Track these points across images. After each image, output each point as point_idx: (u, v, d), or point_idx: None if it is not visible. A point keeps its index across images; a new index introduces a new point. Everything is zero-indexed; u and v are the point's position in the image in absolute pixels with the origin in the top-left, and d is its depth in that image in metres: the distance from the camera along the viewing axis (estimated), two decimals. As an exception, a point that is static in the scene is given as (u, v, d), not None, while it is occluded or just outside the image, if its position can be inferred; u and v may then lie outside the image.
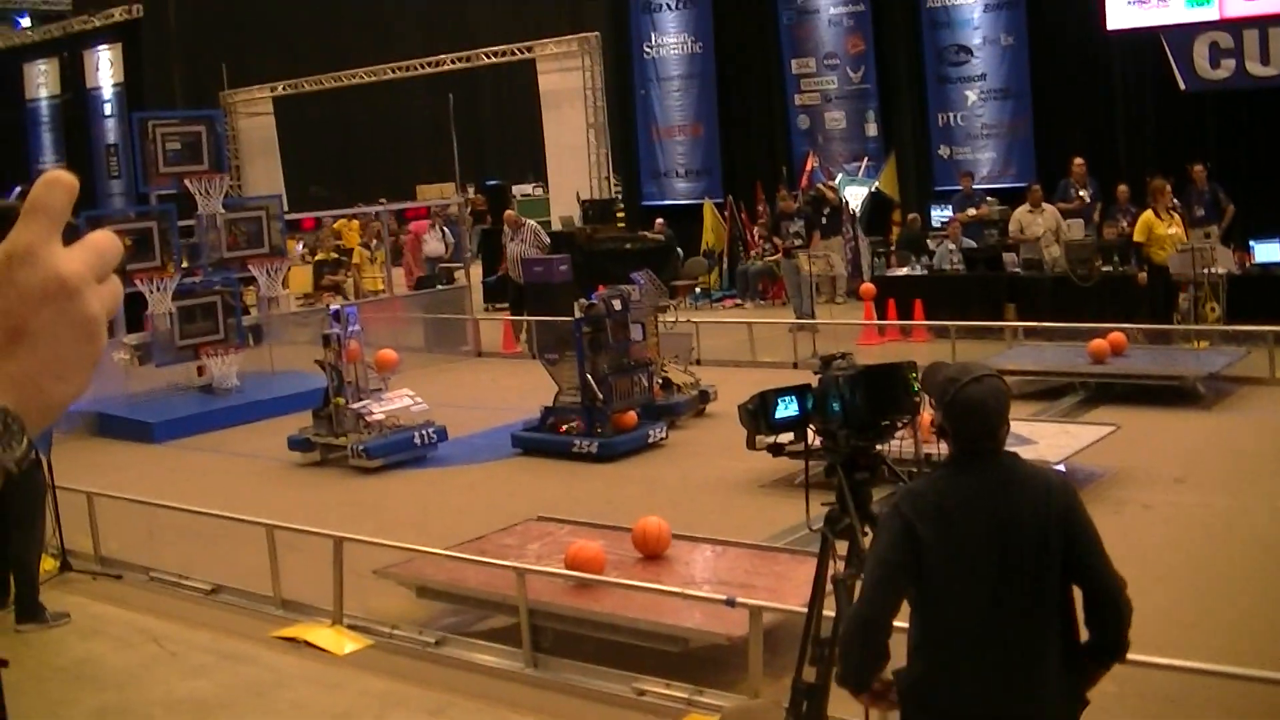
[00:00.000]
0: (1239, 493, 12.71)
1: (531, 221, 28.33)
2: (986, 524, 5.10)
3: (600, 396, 15.97)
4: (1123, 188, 23.45)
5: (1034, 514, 5.11)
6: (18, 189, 1.59)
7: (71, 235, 1.45)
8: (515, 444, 16.72)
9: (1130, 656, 7.60)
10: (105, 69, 45.53)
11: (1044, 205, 23.19)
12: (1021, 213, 23.32)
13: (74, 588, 12.31)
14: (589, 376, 16.04)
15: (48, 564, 12.38)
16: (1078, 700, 5.35)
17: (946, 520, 5.11)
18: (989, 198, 26.41)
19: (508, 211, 29.54)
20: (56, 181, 1.45)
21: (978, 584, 5.09)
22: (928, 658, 5.27)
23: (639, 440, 16.20)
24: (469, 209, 34.44)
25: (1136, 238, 20.28)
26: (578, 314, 16.61)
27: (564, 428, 16.38)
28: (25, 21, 55.47)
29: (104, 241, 1.48)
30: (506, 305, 28.28)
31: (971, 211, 25.68)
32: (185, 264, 20.94)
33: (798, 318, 23.62)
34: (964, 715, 5.21)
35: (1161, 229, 19.87)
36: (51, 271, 1.41)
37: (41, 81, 48.61)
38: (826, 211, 27.14)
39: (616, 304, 16.53)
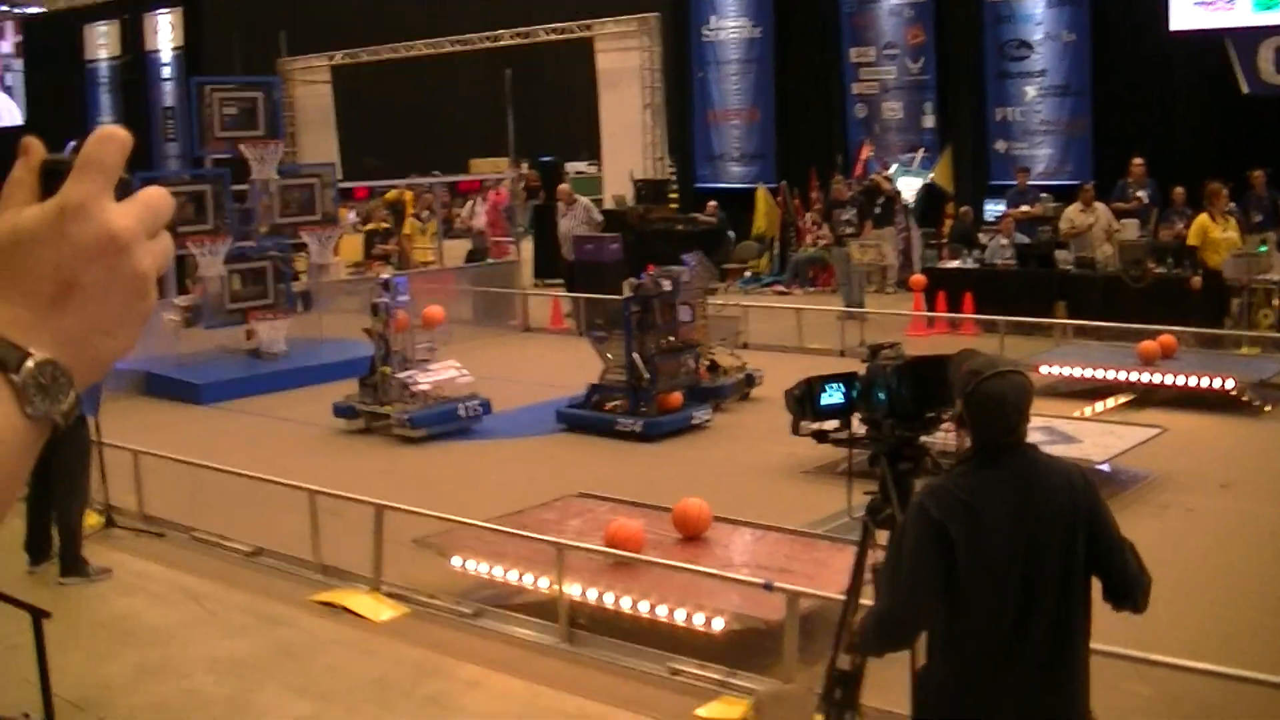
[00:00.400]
0: (1284, 500, 12.65)
1: (584, 198, 28.34)
2: (1013, 521, 5.09)
3: (646, 376, 15.97)
4: (1179, 190, 23.31)
5: (1059, 509, 5.13)
6: (72, 144, 1.58)
7: (124, 191, 1.45)
8: (560, 420, 16.74)
9: (1167, 660, 7.63)
10: (165, 33, 45.71)
11: (1095, 204, 23.09)
12: (1073, 210, 23.25)
13: (117, 544, 12.41)
14: (636, 356, 16.04)
15: (92, 520, 12.47)
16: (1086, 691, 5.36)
17: (973, 518, 5.09)
18: (1043, 194, 26.24)
19: (561, 186, 29.54)
20: (110, 137, 1.45)
21: (1006, 582, 5.08)
22: (955, 658, 5.25)
23: (683, 421, 16.20)
24: (522, 184, 34.43)
25: (1191, 241, 20.16)
26: (627, 293, 16.61)
27: (609, 406, 16.39)
28: (88, -18, 55.67)
29: (156, 197, 1.49)
30: (557, 281, 28.32)
31: (1025, 209, 25.51)
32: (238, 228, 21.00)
33: (846, 306, 23.56)
34: (995, 714, 5.21)
35: (1216, 233, 19.74)
36: (103, 226, 1.41)
37: (102, 43, 48.81)
38: (880, 201, 27.04)
39: (666, 284, 16.52)
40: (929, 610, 5.17)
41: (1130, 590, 5.26)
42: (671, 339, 16.49)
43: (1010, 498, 5.13)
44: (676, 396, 16.43)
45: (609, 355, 16.86)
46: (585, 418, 16.60)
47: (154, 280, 1.46)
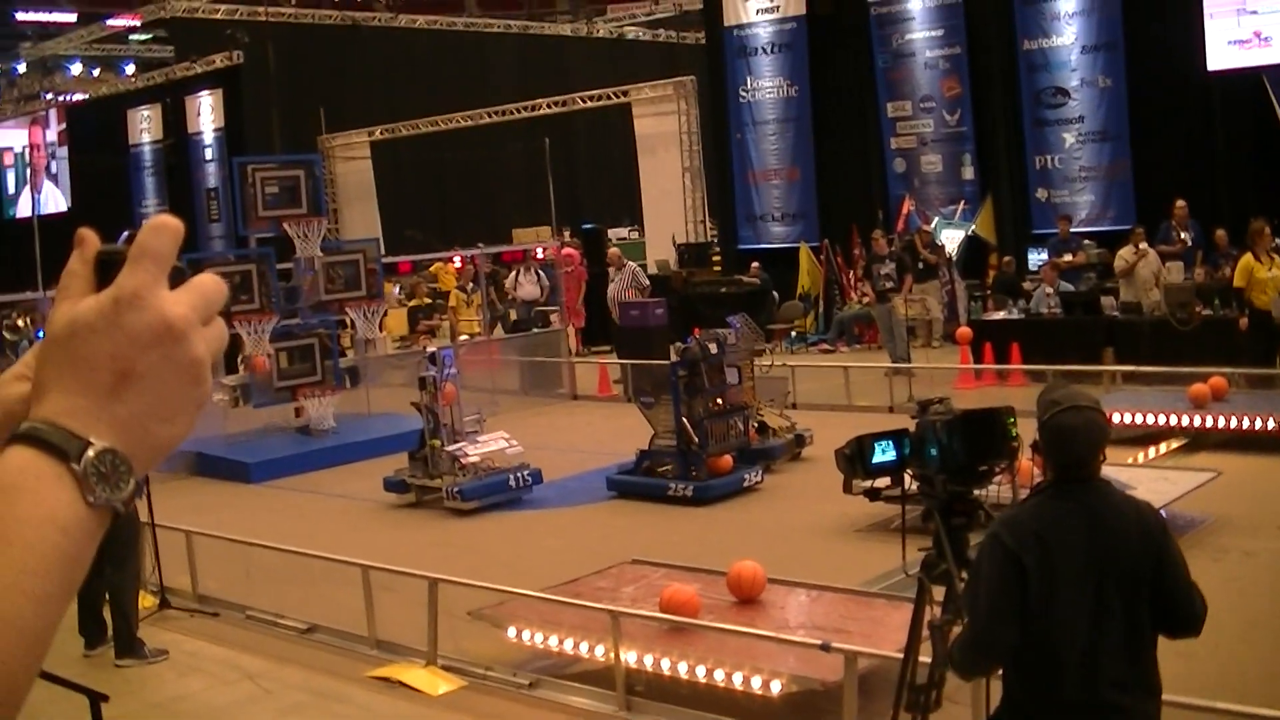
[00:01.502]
0: (1343, 540, 12.54)
1: (632, 263, 28.43)
2: (1085, 553, 5.18)
3: (696, 440, 15.95)
4: (1220, 232, 23.31)
5: (1129, 542, 5.22)
6: (125, 234, 1.59)
7: (177, 278, 1.46)
8: (610, 487, 16.71)
9: (1232, 707, 7.57)
10: (206, 114, 46.18)
11: (1146, 247, 23.08)
12: (1126, 251, 23.24)
13: (172, 625, 12.43)
14: (685, 420, 16.03)
15: (147, 601, 12.51)
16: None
17: (1045, 549, 5.18)
18: (1086, 241, 26.18)
19: (611, 250, 29.68)
20: (163, 226, 1.46)
21: (1077, 612, 5.17)
22: (1027, 688, 5.28)
23: (734, 484, 16.15)
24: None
25: (1237, 282, 20.06)
26: (674, 357, 16.62)
27: (659, 471, 16.37)
28: (129, 69, 56.29)
29: (209, 284, 1.49)
30: (604, 348, 28.37)
31: (1068, 257, 25.43)
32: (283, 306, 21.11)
33: (893, 362, 23.53)
34: None
35: (1262, 272, 19.63)
36: (158, 315, 1.42)
37: (145, 127, 49.34)
38: (921, 257, 27.03)
39: (713, 347, 16.51)
40: (1010, 633, 5.22)
41: (1190, 622, 5.35)
42: (720, 402, 16.46)
43: (1082, 529, 5.22)
44: (727, 459, 16.39)
45: (658, 420, 16.85)
46: (636, 484, 16.55)
47: (209, 366, 1.47)
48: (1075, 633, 5.15)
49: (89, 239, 1.47)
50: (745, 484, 16.25)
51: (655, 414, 16.92)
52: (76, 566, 1.41)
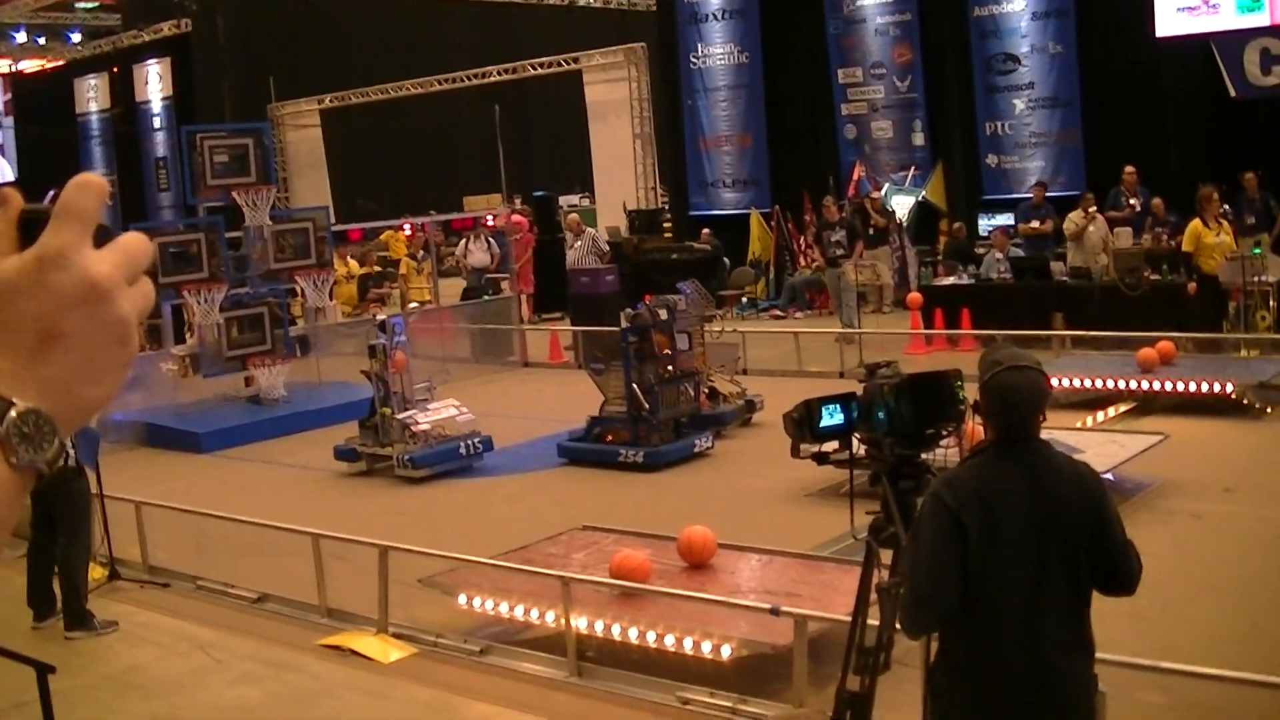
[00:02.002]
0: (1290, 502, 12.63)
1: (592, 230, 28.42)
2: (1026, 513, 5.23)
3: (646, 406, 15.96)
4: (1157, 201, 23.49)
5: (1068, 503, 5.27)
6: (51, 193, 1.58)
7: (103, 238, 1.45)
8: (561, 454, 16.71)
9: (1179, 667, 7.63)
10: (155, 83, 45.82)
11: (1096, 214, 23.21)
12: (1076, 214, 23.39)
13: (122, 596, 12.38)
14: (635, 386, 16.03)
15: (96, 573, 12.45)
16: (1094, 686, 5.48)
17: (987, 508, 5.22)
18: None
19: (571, 216, 29.62)
20: (87, 185, 1.44)
21: (1017, 572, 5.22)
22: (965, 647, 5.31)
23: (685, 450, 16.17)
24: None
25: (1185, 247, 20.21)
26: (624, 324, 16.61)
27: (610, 438, 16.37)
28: (76, 37, 55.88)
29: (134, 243, 1.48)
30: (555, 315, 28.34)
31: (1035, 224, 25.42)
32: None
33: (842, 327, 23.58)
34: (1003, 703, 5.25)
35: (1210, 238, 19.76)
36: (82, 274, 1.40)
37: (92, 96, 48.95)
38: (872, 222, 27.08)
39: (663, 313, 16.53)
40: (950, 592, 5.24)
41: (1126, 581, 5.41)
42: (670, 368, 16.46)
43: (1022, 490, 5.26)
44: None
45: (609, 387, 16.85)
46: (587, 450, 16.55)
47: (135, 326, 1.46)
48: (1015, 593, 5.19)
49: (12, 198, 1.45)
50: (696, 450, 16.27)
51: (606, 380, 16.92)
52: (1, 527, 1.40)
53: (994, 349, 5.67)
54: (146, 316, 1.51)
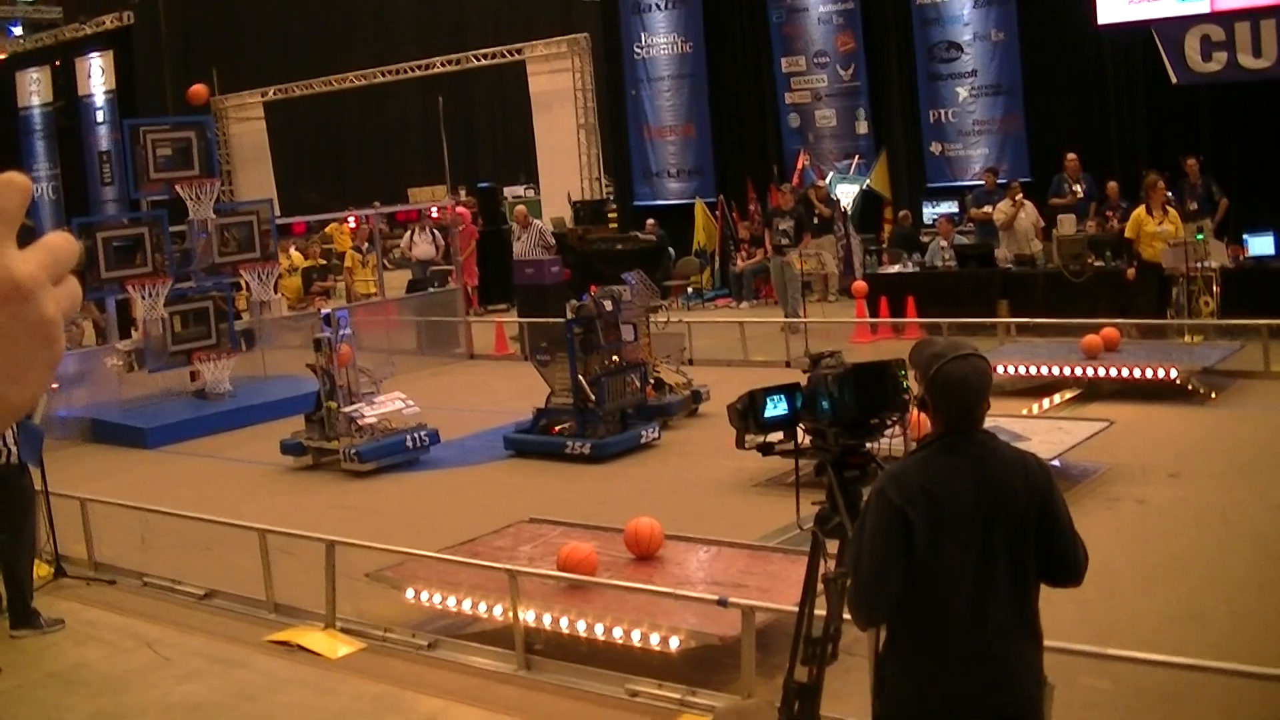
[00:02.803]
0: (1234, 487, 12.70)
1: (539, 221, 28.40)
2: (971, 505, 5.19)
3: (592, 398, 15.97)
4: (1112, 184, 23.58)
5: (1015, 493, 5.24)
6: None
7: (27, 237, 1.43)
8: (508, 446, 16.70)
9: (1125, 653, 7.66)
10: (97, 76, 45.48)
11: (1025, 201, 23.35)
12: (1004, 204, 23.53)
13: (68, 593, 12.31)
14: (580, 377, 16.03)
15: (42, 570, 12.38)
16: (1042, 675, 5.45)
17: (932, 502, 5.18)
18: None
19: (518, 208, 29.57)
20: (8, 184, 1.43)
21: (963, 564, 5.18)
22: (913, 637, 5.30)
23: (631, 441, 16.17)
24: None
25: (1127, 234, 20.33)
26: (569, 315, 16.59)
27: (556, 429, 16.36)
28: (17, 30, 55.43)
29: (59, 243, 1.46)
30: (500, 307, 28.31)
31: (988, 209, 25.44)
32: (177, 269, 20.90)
33: (786, 316, 23.62)
34: (951, 693, 5.24)
35: (1152, 226, 19.86)
36: (5, 274, 1.39)
37: (34, 90, 48.55)
38: (817, 211, 27.13)
39: (608, 304, 16.53)
40: (893, 587, 5.21)
41: (1073, 572, 5.38)
42: (616, 359, 16.46)
43: (968, 483, 5.22)
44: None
45: (554, 378, 16.84)
46: (533, 442, 16.54)
47: (61, 326, 1.44)
48: (961, 583, 5.17)
49: (-65, 199, 1.43)
50: (642, 440, 16.28)
51: (551, 372, 16.93)
52: None
53: (926, 343, 5.62)
54: (73, 316, 1.49)
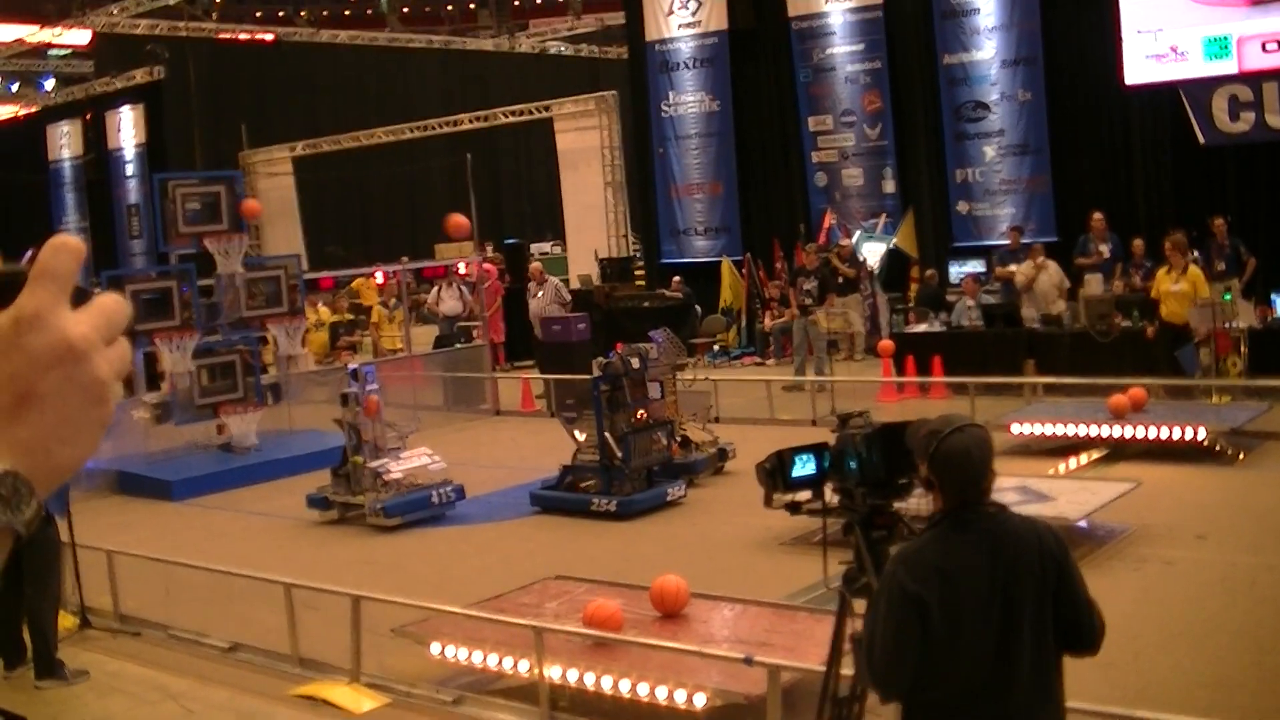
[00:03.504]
0: (1262, 549, 12.63)
1: (554, 278, 28.44)
2: (987, 581, 5.14)
3: (619, 455, 15.96)
4: (1138, 243, 23.55)
5: (1030, 566, 5.18)
6: (28, 254, 1.59)
7: (80, 299, 1.46)
8: (534, 502, 16.65)
9: (1153, 715, 7.62)
10: (127, 130, 45.89)
11: (1046, 261, 23.29)
12: (1026, 266, 23.48)
13: (93, 645, 12.32)
14: (607, 435, 16.04)
15: (67, 621, 12.40)
16: None
17: (948, 583, 5.13)
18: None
19: (533, 265, 29.62)
20: (64, 246, 1.45)
21: (983, 641, 5.12)
22: (932, 718, 5.26)
23: (657, 498, 16.14)
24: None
25: (1153, 294, 20.31)
26: (596, 372, 16.59)
27: (582, 486, 16.35)
28: (49, 84, 55.88)
29: (111, 304, 1.49)
30: (527, 364, 28.35)
31: (1013, 268, 25.39)
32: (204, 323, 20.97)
33: (810, 375, 23.60)
34: None
35: (1167, 284, 19.86)
36: (59, 335, 1.41)
37: (64, 143, 48.98)
38: (840, 275, 27.12)
39: (635, 362, 16.51)
40: (910, 666, 5.17)
41: (1090, 640, 5.34)
42: (643, 416, 16.43)
43: (982, 560, 5.16)
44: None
45: (580, 435, 16.83)
46: (559, 499, 16.50)
47: (112, 387, 1.46)
48: (981, 660, 5.11)
49: (-11, 260, 1.46)
50: (668, 498, 16.24)
51: (578, 428, 16.95)
52: None
53: (920, 423, 5.52)
54: (123, 377, 1.52)
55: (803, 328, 25.05)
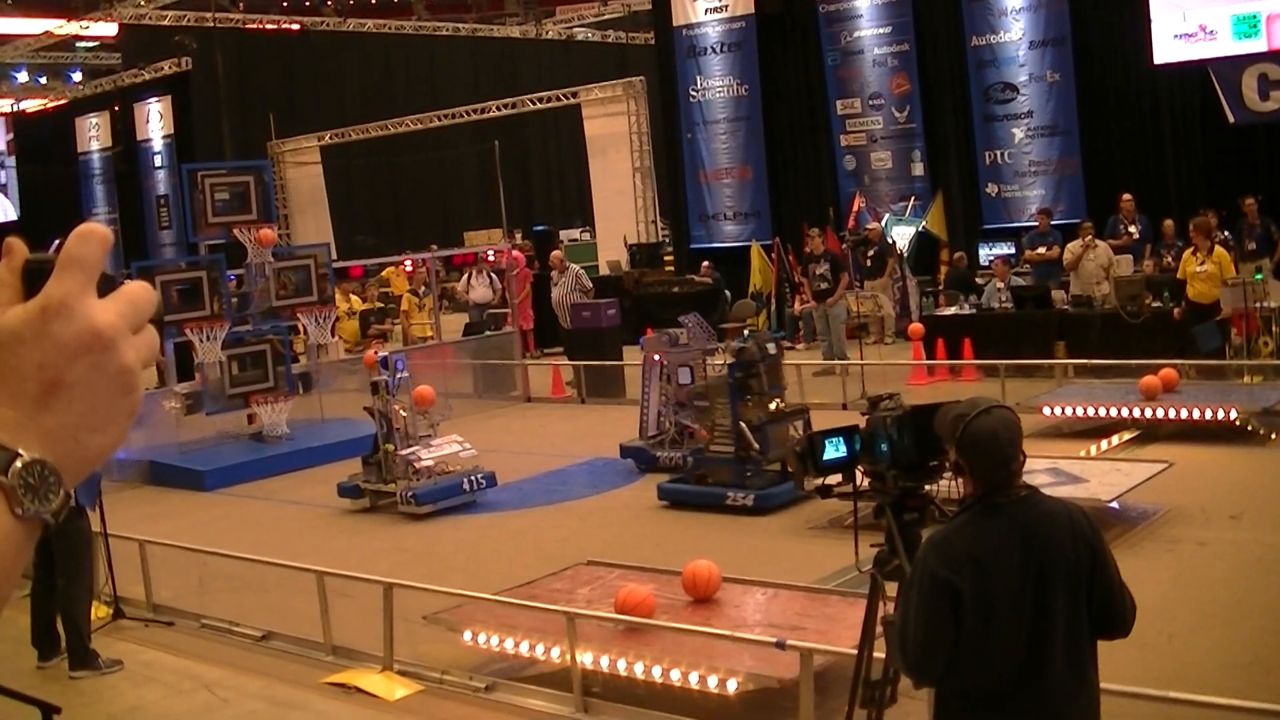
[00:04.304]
0: (1295, 529, 12.61)
1: (575, 266, 28.40)
2: (1020, 566, 5.10)
3: (756, 446, 15.14)
4: (1168, 223, 23.44)
5: (1063, 549, 5.14)
6: (55, 242, 1.60)
7: (107, 287, 1.46)
8: (661, 497, 15.82)
9: (1187, 696, 7.60)
10: (155, 121, 45.98)
11: (1096, 241, 23.18)
12: (1075, 245, 23.35)
13: (126, 635, 12.37)
14: (743, 425, 15.19)
15: (100, 611, 12.45)
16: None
17: (980, 570, 5.10)
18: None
19: (554, 253, 29.59)
20: (90, 234, 1.45)
21: (1017, 627, 5.09)
22: (966, 704, 5.24)
23: (794, 493, 14.40)
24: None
25: (1179, 275, 20.24)
26: (729, 359, 16.01)
27: (710, 480, 15.52)
28: (77, 76, 56.00)
29: (138, 292, 1.48)
30: (556, 350, 28.35)
31: (1042, 250, 25.37)
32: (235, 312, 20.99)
33: (825, 358, 23.61)
34: None
35: (1193, 265, 19.80)
36: (86, 324, 1.41)
37: (93, 135, 49.12)
38: (871, 253, 27.06)
39: (770, 347, 15.79)
40: (944, 653, 5.15)
41: (1121, 624, 5.33)
42: (780, 403, 15.65)
43: (1015, 545, 5.13)
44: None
45: (709, 425, 15.97)
46: (691, 493, 15.62)
47: (140, 375, 1.46)
48: (1016, 647, 5.06)
49: (17, 248, 1.45)
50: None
51: (707, 418, 16.08)
52: (6, 578, 1.40)
53: (947, 407, 5.49)
54: (151, 365, 1.52)
55: (823, 315, 25.02)
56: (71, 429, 1.42)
